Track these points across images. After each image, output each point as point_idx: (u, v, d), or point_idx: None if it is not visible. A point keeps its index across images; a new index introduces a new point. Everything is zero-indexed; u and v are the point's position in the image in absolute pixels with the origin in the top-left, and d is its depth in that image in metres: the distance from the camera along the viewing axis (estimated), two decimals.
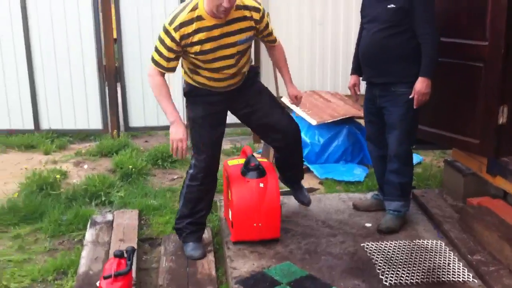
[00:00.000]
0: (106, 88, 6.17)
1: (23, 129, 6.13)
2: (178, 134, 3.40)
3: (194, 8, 3.30)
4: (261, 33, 3.62)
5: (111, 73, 6.18)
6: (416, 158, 5.45)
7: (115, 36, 6.21)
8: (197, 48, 3.33)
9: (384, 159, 4.15)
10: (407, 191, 4.10)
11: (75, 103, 6.17)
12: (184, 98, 3.88)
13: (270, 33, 3.71)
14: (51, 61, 6.11)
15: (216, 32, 3.33)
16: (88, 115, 6.20)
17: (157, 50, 3.36)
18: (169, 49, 3.32)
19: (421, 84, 3.82)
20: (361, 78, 4.22)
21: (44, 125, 6.18)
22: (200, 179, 3.69)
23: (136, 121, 6.25)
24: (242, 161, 3.96)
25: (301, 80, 6.40)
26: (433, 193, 4.58)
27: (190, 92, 3.62)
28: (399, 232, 3.98)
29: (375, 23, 3.95)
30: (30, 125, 6.15)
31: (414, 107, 3.87)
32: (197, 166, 3.68)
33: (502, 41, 3.88)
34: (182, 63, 3.56)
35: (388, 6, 3.85)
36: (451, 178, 4.59)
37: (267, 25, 3.61)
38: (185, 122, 3.55)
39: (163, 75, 3.42)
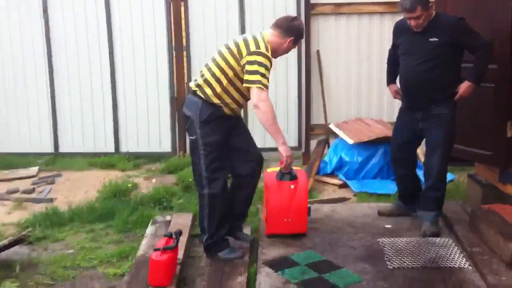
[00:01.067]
0: (177, 117, 7.05)
1: (105, 151, 7.08)
2: (290, 151, 4.11)
3: (264, 40, 3.94)
4: None
5: (181, 105, 7.04)
6: (449, 176, 5.88)
7: (186, 80, 7.12)
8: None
9: (407, 178, 4.69)
10: (441, 203, 4.55)
11: (150, 130, 7.08)
12: (197, 127, 3.98)
13: None
14: (131, 96, 7.05)
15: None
16: (160, 140, 7.09)
17: (264, 75, 3.80)
18: (269, 71, 3.89)
19: (466, 89, 4.25)
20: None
21: (123, 148, 7.11)
22: (221, 195, 4.06)
23: None
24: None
25: (349, 109, 7.02)
26: (454, 203, 5.04)
27: (211, 116, 3.94)
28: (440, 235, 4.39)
29: (414, 56, 4.30)
30: (111, 148, 7.10)
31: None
32: (216, 186, 4.00)
33: (508, 64, 4.40)
34: (219, 83, 3.92)
35: (430, 40, 4.20)
36: (472, 190, 5.04)
37: None
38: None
39: None
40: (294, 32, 4.03)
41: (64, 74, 7.04)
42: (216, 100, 3.96)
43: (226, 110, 4.02)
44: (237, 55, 3.91)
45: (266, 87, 3.84)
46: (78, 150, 7.12)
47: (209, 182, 4.02)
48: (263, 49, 3.87)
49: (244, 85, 3.89)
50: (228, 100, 3.99)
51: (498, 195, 4.75)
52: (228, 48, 3.98)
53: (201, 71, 4.10)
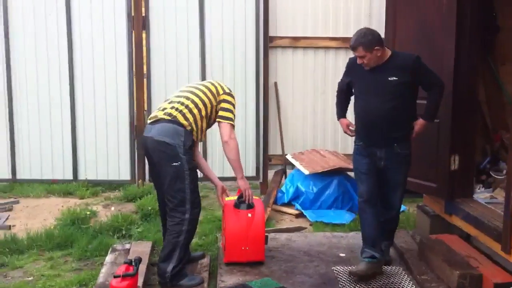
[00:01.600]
0: (136, 145, 7.13)
1: (63, 179, 7.09)
2: (248, 184, 4.58)
3: None
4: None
5: (141, 133, 7.13)
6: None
7: (145, 107, 7.22)
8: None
9: (376, 217, 4.40)
10: (393, 233, 4.74)
11: (109, 158, 7.13)
12: (181, 153, 4.19)
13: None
14: (91, 123, 7.11)
15: None
16: (119, 168, 7.14)
17: (234, 115, 4.36)
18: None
19: (420, 127, 4.37)
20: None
21: (81, 176, 7.13)
22: (197, 219, 4.37)
23: None
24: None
25: (305, 141, 7.28)
26: (404, 233, 5.28)
27: (192, 143, 4.27)
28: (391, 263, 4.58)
29: (375, 95, 4.24)
30: (70, 176, 7.10)
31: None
32: (195, 209, 4.27)
33: (450, 101, 4.71)
34: (200, 113, 4.28)
35: (389, 79, 4.19)
36: (421, 220, 5.31)
37: None
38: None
39: None
40: None
41: (23, 101, 7.03)
42: (194, 128, 4.27)
43: (194, 139, 4.34)
44: (214, 93, 4.40)
45: (233, 125, 4.36)
46: (36, 177, 7.10)
47: (192, 207, 4.23)
48: (233, 93, 4.49)
49: (217, 120, 4.34)
50: (199, 131, 4.33)
51: (445, 225, 5.02)
52: (205, 86, 4.48)
53: (173, 100, 4.35)
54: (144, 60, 7.13)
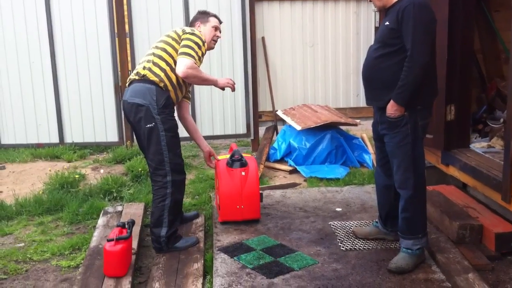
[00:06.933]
0: (122, 105, 6.95)
1: (49, 142, 6.95)
2: (227, 78, 4.36)
3: None
4: None
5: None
6: None
7: (130, 67, 7.03)
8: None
9: (389, 189, 3.92)
10: (416, 228, 3.70)
11: (95, 120, 6.99)
12: (155, 113, 3.98)
13: None
14: (74, 84, 6.94)
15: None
16: (106, 129, 7.00)
17: (195, 51, 4.01)
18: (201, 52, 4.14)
19: (389, 106, 3.55)
20: None
21: (68, 139, 6.99)
22: (183, 180, 4.18)
23: None
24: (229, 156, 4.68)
25: (296, 96, 7.16)
26: None
27: (167, 100, 4.03)
28: (412, 271, 3.64)
29: (374, 42, 3.73)
30: (56, 139, 6.97)
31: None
32: (178, 171, 4.09)
33: (445, 51, 4.58)
34: (168, 65, 4.03)
35: (385, 23, 3.59)
36: None
37: None
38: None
39: None
40: (208, 13, 4.38)
41: (2, 67, 6.85)
42: (168, 83, 4.06)
43: (172, 96, 4.13)
44: (176, 38, 4.13)
45: (196, 58, 4.03)
46: (21, 142, 6.94)
47: (172, 168, 4.03)
48: (197, 32, 4.18)
49: (177, 56, 4.05)
50: (175, 86, 4.11)
51: (441, 176, 4.96)
52: (168, 36, 4.19)
53: (143, 60, 4.17)
54: (126, 19, 6.91)
